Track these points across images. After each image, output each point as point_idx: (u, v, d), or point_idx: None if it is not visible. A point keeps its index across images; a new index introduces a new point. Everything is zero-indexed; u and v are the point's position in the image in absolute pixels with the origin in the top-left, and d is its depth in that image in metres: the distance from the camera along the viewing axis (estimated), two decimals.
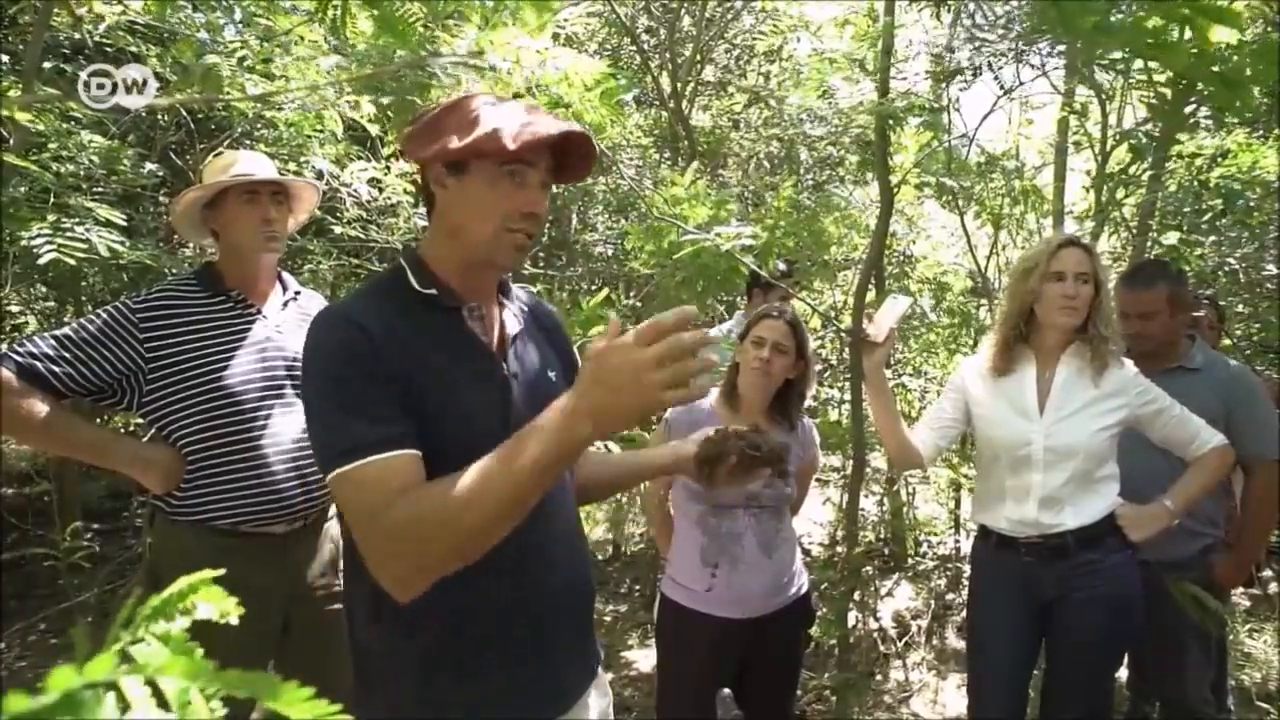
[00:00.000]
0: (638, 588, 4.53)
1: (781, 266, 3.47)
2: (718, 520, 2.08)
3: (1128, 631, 2.04)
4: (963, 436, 2.87)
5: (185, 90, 2.29)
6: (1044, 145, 5.87)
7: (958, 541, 4.59)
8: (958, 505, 4.59)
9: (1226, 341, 3.40)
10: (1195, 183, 3.41)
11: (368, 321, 1.07)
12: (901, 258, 5.56)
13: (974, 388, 2.16)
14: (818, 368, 4.31)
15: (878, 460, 4.11)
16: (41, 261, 2.11)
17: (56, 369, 1.67)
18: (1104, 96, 4.06)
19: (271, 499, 1.78)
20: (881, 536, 4.79)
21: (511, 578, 1.15)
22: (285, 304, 1.94)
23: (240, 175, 1.84)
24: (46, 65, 3.03)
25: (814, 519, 4.53)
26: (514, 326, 1.25)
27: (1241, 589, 4.00)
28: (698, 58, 5.95)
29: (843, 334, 3.79)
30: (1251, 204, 3.16)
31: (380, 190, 3.22)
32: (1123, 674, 2.72)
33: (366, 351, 1.05)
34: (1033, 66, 3.69)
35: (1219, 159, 3.35)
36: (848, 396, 4.06)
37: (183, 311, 1.79)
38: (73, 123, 2.72)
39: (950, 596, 4.24)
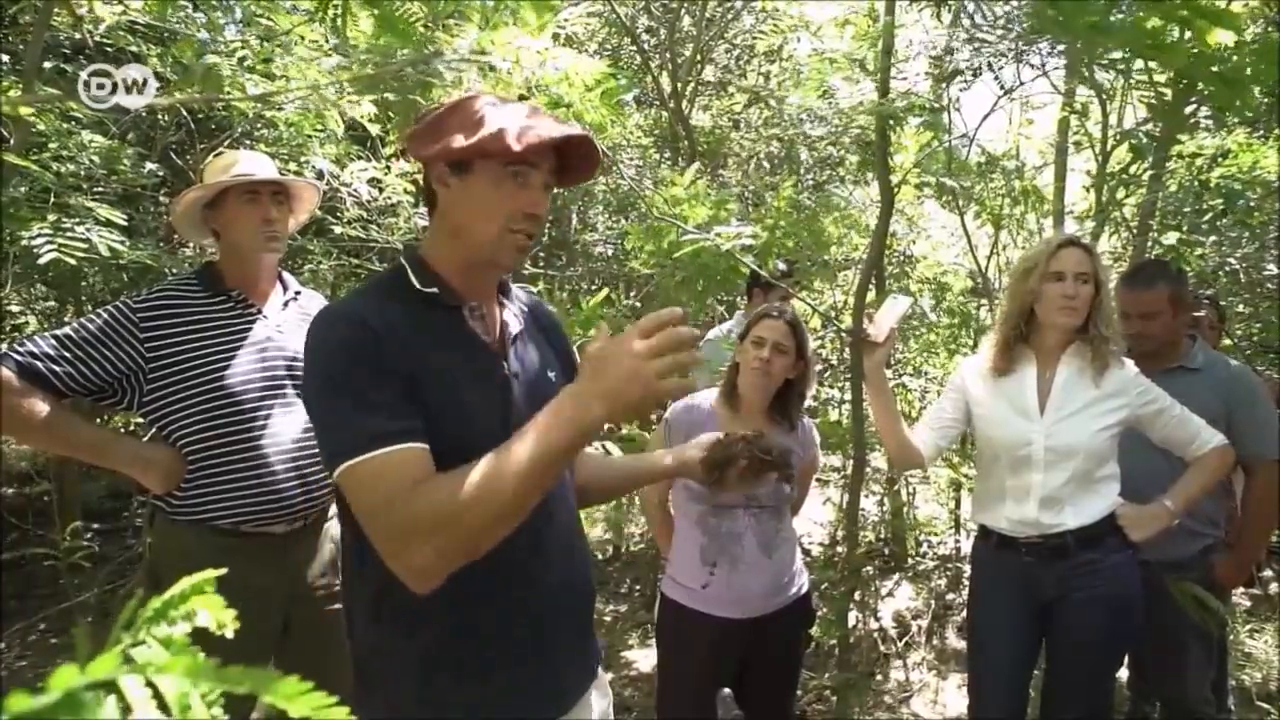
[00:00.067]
0: (638, 588, 4.53)
1: (781, 266, 3.46)
2: (718, 520, 2.08)
3: (1128, 631, 2.04)
4: (963, 436, 2.86)
5: (185, 90, 2.29)
6: (1044, 145, 5.87)
7: (958, 541, 4.59)
8: (958, 505, 4.59)
9: (1227, 341, 3.40)
10: (1196, 183, 3.41)
11: (370, 319, 1.07)
12: (902, 258, 5.56)
13: (974, 388, 2.16)
14: (818, 368, 4.31)
15: (878, 460, 4.10)
16: (42, 261, 2.11)
17: (57, 368, 1.67)
18: (1104, 96, 4.06)
19: (272, 499, 1.78)
20: (882, 536, 4.79)
21: (512, 577, 1.15)
22: (286, 304, 1.94)
23: (241, 175, 1.84)
24: (47, 65, 3.03)
25: (814, 519, 4.53)
26: (514, 326, 1.26)
27: (1242, 589, 4.00)
28: (698, 58, 5.95)
29: (843, 334, 3.79)
30: (1252, 204, 3.16)
31: (380, 190, 3.23)
32: (1123, 674, 2.72)
33: (370, 348, 1.05)
34: (1033, 66, 3.69)
35: (1219, 159, 3.35)
36: (848, 396, 4.06)
37: (183, 311, 1.79)
38: (73, 122, 2.72)
39: (950, 596, 4.24)
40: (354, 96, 2.39)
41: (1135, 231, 3.89)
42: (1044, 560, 2.03)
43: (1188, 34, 1.48)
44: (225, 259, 1.90)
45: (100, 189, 2.91)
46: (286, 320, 1.91)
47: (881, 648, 3.67)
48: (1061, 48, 3.23)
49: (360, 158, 3.25)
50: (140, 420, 2.16)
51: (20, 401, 1.62)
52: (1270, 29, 3.02)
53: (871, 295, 3.47)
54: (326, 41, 2.49)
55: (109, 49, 2.83)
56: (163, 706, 0.38)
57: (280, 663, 1.88)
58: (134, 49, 2.75)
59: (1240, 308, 3.85)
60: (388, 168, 3.22)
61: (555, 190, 1.24)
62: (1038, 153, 5.95)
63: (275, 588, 1.80)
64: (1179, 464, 2.10)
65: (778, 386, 2.13)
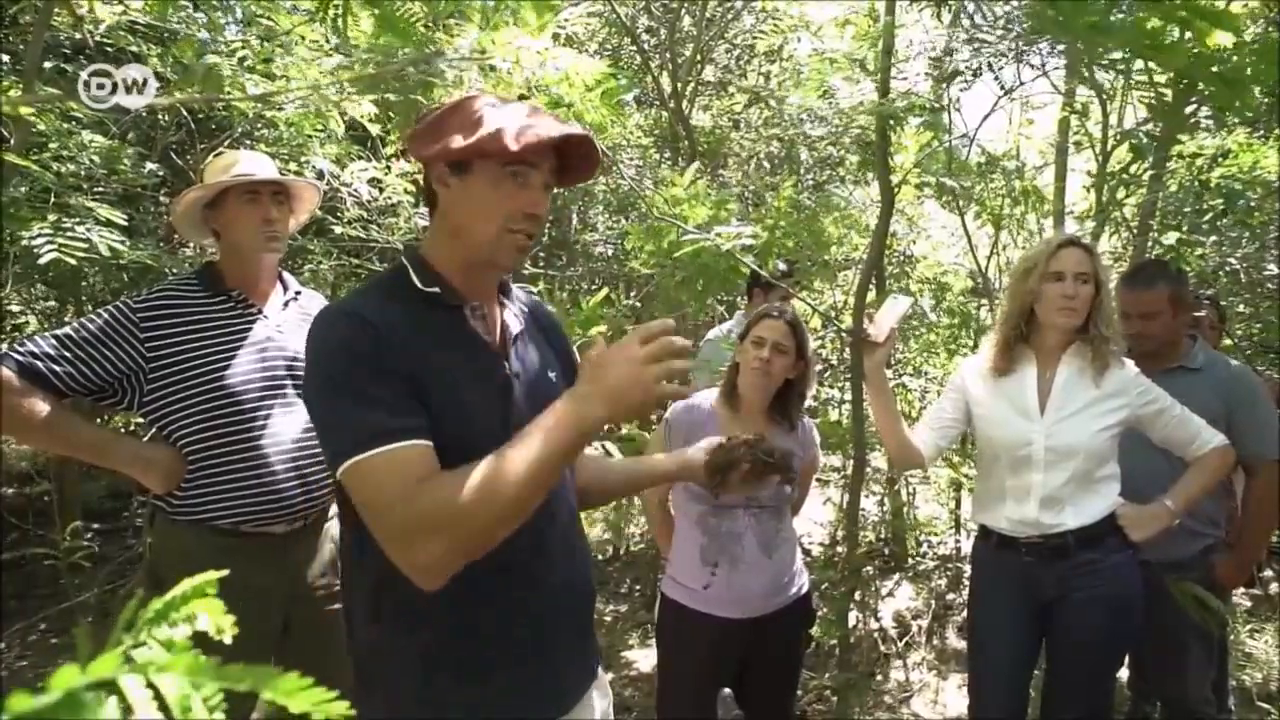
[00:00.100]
0: (638, 588, 4.53)
1: (782, 266, 3.46)
2: (718, 520, 2.08)
3: (1128, 631, 2.04)
4: (963, 436, 2.86)
5: (186, 90, 2.29)
6: (1044, 145, 5.86)
7: (958, 541, 4.59)
8: (958, 505, 4.59)
9: (1227, 341, 3.40)
10: (1196, 183, 3.41)
11: (371, 318, 1.07)
12: (902, 258, 5.56)
13: (974, 388, 2.16)
14: (818, 368, 4.31)
15: (878, 460, 4.10)
16: (42, 261, 2.11)
17: (57, 368, 1.67)
18: (1104, 97, 4.06)
19: (272, 499, 1.78)
20: (882, 536, 4.79)
21: (512, 577, 1.15)
22: (286, 304, 1.94)
23: (241, 175, 1.84)
24: (47, 65, 3.03)
25: (814, 519, 4.53)
26: (515, 326, 1.26)
27: (1242, 589, 4.00)
28: (698, 58, 5.94)
29: (843, 334, 3.79)
30: (1252, 204, 3.16)
31: (381, 190, 3.23)
32: (1124, 674, 2.72)
33: (372, 346, 1.05)
34: (1033, 66, 3.70)
35: (1219, 159, 3.34)
36: (848, 396, 4.06)
37: (183, 311, 1.79)
38: (73, 123, 2.72)
39: (951, 596, 4.24)
40: (355, 96, 2.39)
41: (1135, 231, 3.89)
42: (1044, 560, 2.03)
43: (1187, 34, 1.48)
44: (225, 259, 1.90)
45: (100, 189, 2.91)
46: (287, 320, 1.91)
47: (882, 648, 3.67)
48: (1061, 48, 3.23)
49: (360, 158, 3.25)
50: (140, 420, 2.16)
51: (21, 401, 1.62)
52: (1270, 29, 3.01)
53: (871, 295, 3.47)
54: (328, 42, 2.49)
55: (109, 49, 2.83)
56: (164, 708, 0.38)
57: (280, 663, 1.88)
58: (134, 49, 2.75)
59: (1240, 308, 3.85)
60: (388, 168, 3.22)
61: (555, 190, 1.24)
62: (1038, 153, 5.95)
63: (275, 588, 1.80)
64: (1179, 464, 2.10)
65: (778, 386, 2.13)
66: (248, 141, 3.41)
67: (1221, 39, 1.43)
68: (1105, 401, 2.00)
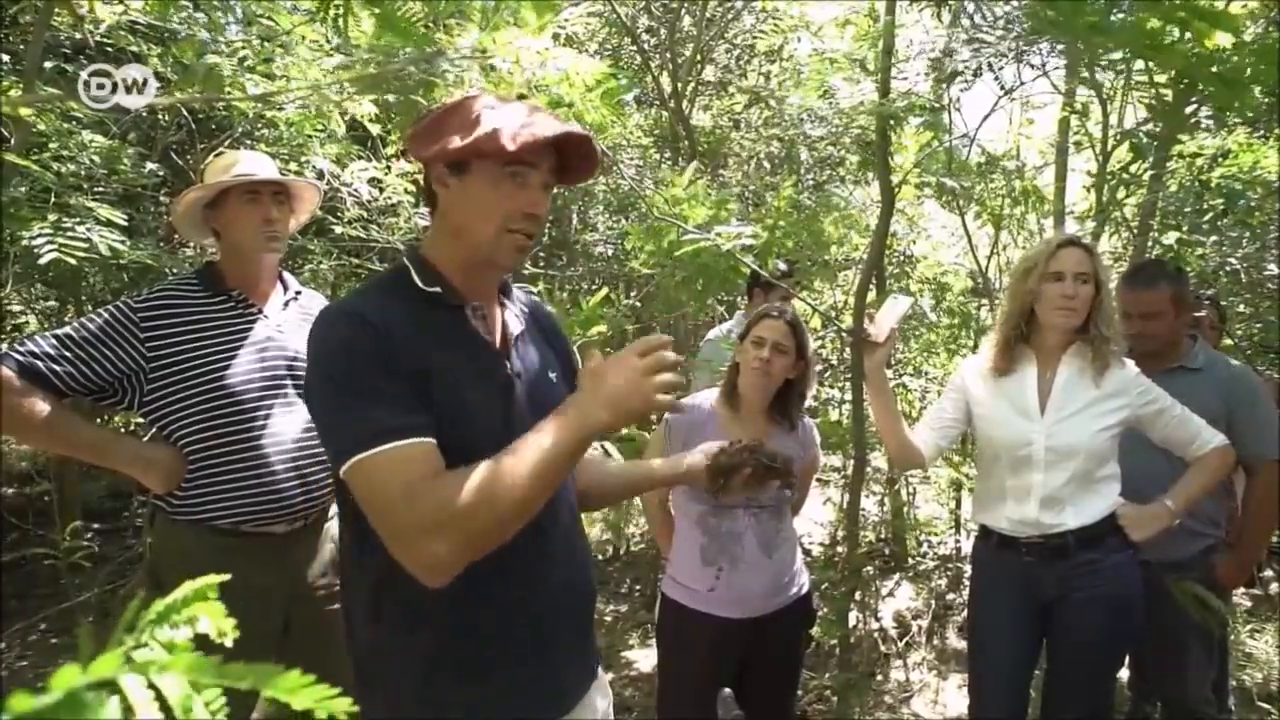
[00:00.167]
0: (638, 588, 4.53)
1: (782, 266, 3.46)
2: (718, 520, 2.08)
3: (1128, 631, 2.04)
4: (964, 436, 2.86)
5: (186, 90, 2.29)
6: (1045, 145, 5.86)
7: (958, 541, 4.59)
8: (958, 505, 4.59)
9: (1228, 341, 3.40)
10: (1196, 183, 3.41)
11: (374, 317, 1.07)
12: (902, 258, 5.55)
13: (975, 388, 2.16)
14: (818, 368, 4.31)
15: (878, 460, 4.10)
16: (42, 261, 2.11)
17: (57, 368, 1.67)
18: (1104, 97, 4.06)
19: (272, 499, 1.78)
20: (882, 536, 4.79)
21: (512, 577, 1.15)
22: (286, 304, 1.94)
23: (242, 175, 1.84)
24: (47, 65, 3.03)
25: (814, 519, 4.53)
26: (516, 327, 1.26)
27: (1243, 589, 4.00)
28: (698, 58, 5.94)
29: (843, 334, 3.79)
30: (1252, 204, 3.16)
31: (381, 190, 3.22)
32: (1124, 674, 2.72)
33: (375, 345, 1.05)
34: (1033, 66, 3.69)
35: (1220, 159, 3.34)
36: (848, 396, 4.06)
37: (184, 311, 1.79)
38: (73, 122, 2.72)
39: (951, 596, 4.24)
40: (356, 96, 2.39)
41: (1135, 231, 3.89)
42: (1044, 560, 2.03)
43: (1186, 35, 1.48)
44: (226, 259, 1.90)
45: (100, 189, 2.91)
46: (287, 320, 1.91)
47: (882, 648, 3.67)
48: (1061, 48, 3.23)
49: (361, 157, 3.25)
50: (140, 420, 2.16)
51: (21, 401, 1.62)
52: (1270, 29, 3.01)
53: (872, 295, 3.47)
54: (329, 42, 2.49)
55: (109, 49, 2.83)
56: (165, 708, 0.38)
57: (280, 662, 1.87)
58: (134, 49, 2.75)
59: (1241, 308, 3.85)
60: (388, 168, 3.21)
61: (555, 190, 1.24)
62: (1038, 153, 5.95)
63: (276, 588, 1.80)
64: (1179, 464, 2.10)
65: (778, 386, 2.13)
66: (248, 141, 3.41)
67: (1221, 39, 1.43)
68: (1105, 401, 2.00)
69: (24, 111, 1.94)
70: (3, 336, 4.41)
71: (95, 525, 4.30)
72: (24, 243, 2.27)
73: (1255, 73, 1.60)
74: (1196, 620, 2.22)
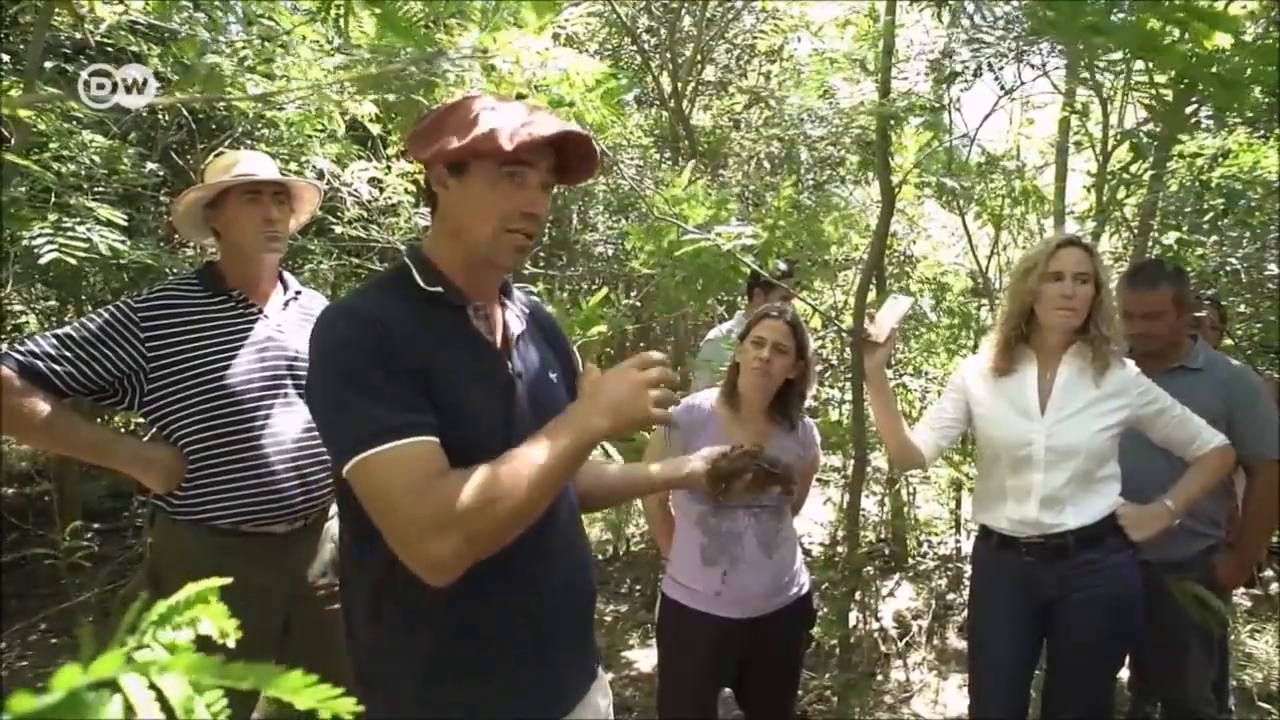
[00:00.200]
0: (638, 588, 4.53)
1: (782, 266, 3.46)
2: (718, 520, 2.08)
3: (1128, 631, 2.04)
4: (964, 436, 2.86)
5: (186, 90, 2.29)
6: (1045, 145, 5.86)
7: (958, 541, 4.59)
8: (958, 505, 4.59)
9: (1228, 341, 3.40)
10: (1196, 182, 3.41)
11: (376, 315, 1.08)
12: (902, 258, 5.55)
13: (975, 387, 2.16)
14: (818, 368, 4.31)
15: (879, 460, 4.10)
16: (42, 261, 2.11)
17: (58, 368, 1.67)
18: (1104, 97, 4.06)
19: (272, 499, 1.78)
20: (882, 536, 4.79)
21: (512, 578, 1.15)
22: (286, 304, 1.94)
23: (243, 175, 1.84)
24: (47, 65, 3.03)
25: (815, 519, 4.53)
26: (517, 327, 1.26)
27: (1243, 589, 4.00)
28: (698, 58, 5.94)
29: (844, 334, 3.79)
30: (1253, 204, 3.15)
31: (381, 190, 3.22)
32: (1124, 674, 2.72)
33: (377, 344, 1.05)
34: (1033, 66, 3.69)
35: (1220, 159, 3.34)
36: (848, 396, 4.06)
37: (184, 311, 1.79)
38: (74, 122, 2.72)
39: (951, 596, 4.24)
40: (357, 96, 2.39)
41: (1136, 231, 3.89)
42: (1045, 560, 2.03)
43: (1186, 35, 1.48)
44: (226, 259, 1.90)
45: (101, 189, 2.91)
46: (287, 320, 1.91)
47: (882, 648, 3.67)
48: (1061, 48, 3.23)
49: (361, 157, 3.25)
50: (141, 420, 2.16)
51: (21, 401, 1.62)
52: (1271, 29, 3.01)
53: (872, 295, 3.47)
54: (330, 42, 2.49)
55: (109, 49, 2.83)
56: (166, 708, 0.38)
57: (281, 662, 1.87)
58: (134, 49, 2.75)
59: (1241, 308, 3.84)
60: (388, 167, 3.21)
61: (555, 190, 1.24)
62: (1038, 153, 5.95)
63: (276, 588, 1.80)
64: (1179, 464, 2.10)
65: (778, 386, 2.13)
66: (248, 141, 3.41)
67: (1220, 40, 1.43)
68: (1106, 401, 2.00)
69: (23, 113, 1.94)
70: (3, 336, 4.41)
71: (95, 525, 4.30)
72: (24, 243, 2.27)
73: (1255, 73, 1.60)
74: (1196, 620, 2.22)
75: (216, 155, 2.10)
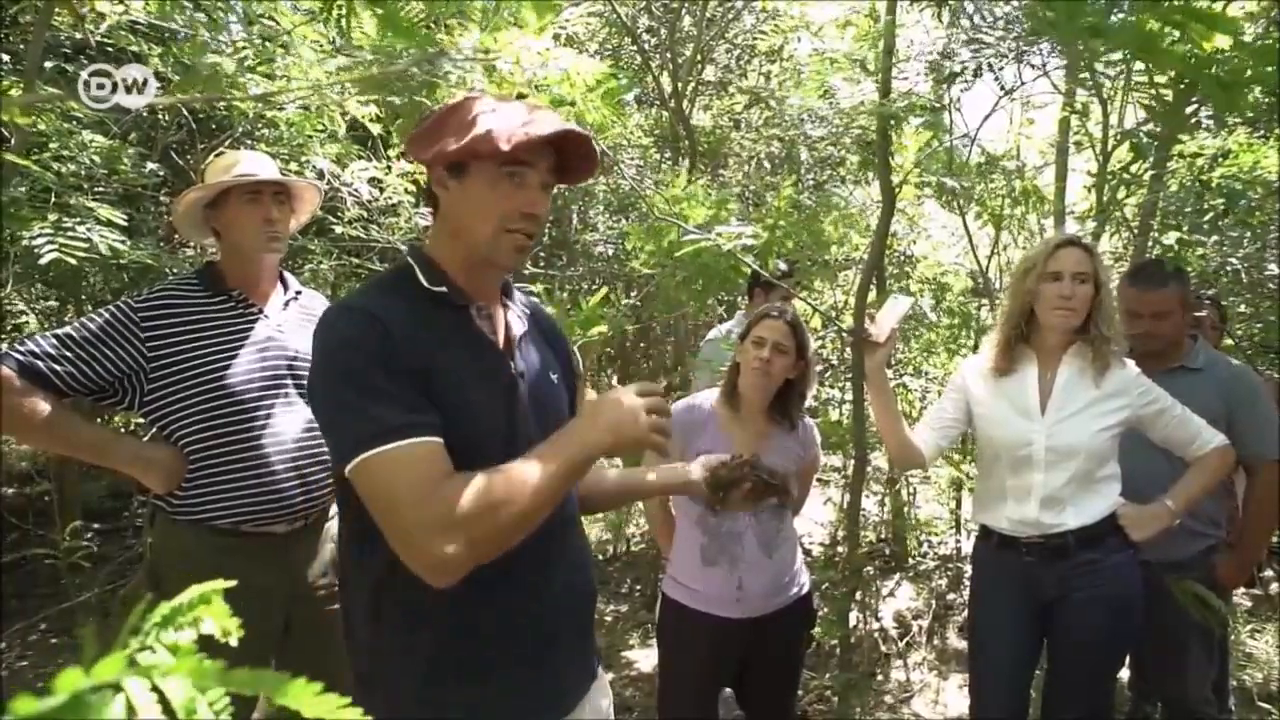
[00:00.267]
0: (638, 588, 4.52)
1: (782, 266, 3.46)
2: (718, 520, 2.09)
3: (1129, 631, 2.04)
4: (964, 435, 2.87)
5: (186, 90, 2.29)
6: (1045, 145, 5.86)
7: (959, 541, 4.59)
8: (959, 505, 4.59)
9: (1228, 341, 3.40)
10: (1197, 182, 3.40)
11: (380, 314, 1.07)
12: (902, 258, 5.56)
13: (975, 387, 2.16)
14: (819, 368, 4.31)
15: (879, 460, 4.10)
16: (42, 261, 2.11)
17: (58, 367, 1.67)
18: (1104, 97, 4.06)
19: (272, 499, 1.78)
20: (883, 536, 4.79)
21: (513, 578, 1.15)
22: (287, 304, 1.94)
23: (243, 175, 1.84)
24: (48, 65, 3.03)
25: (815, 519, 4.53)
26: (519, 328, 1.26)
27: (1243, 589, 4.00)
28: (698, 58, 5.94)
29: (844, 334, 3.79)
30: (1253, 204, 3.15)
31: (381, 190, 3.22)
32: (1124, 674, 2.72)
33: (381, 343, 1.05)
34: (1033, 67, 3.69)
35: (1220, 159, 3.34)
36: (849, 396, 4.06)
37: (184, 311, 1.79)
38: (74, 122, 2.72)
39: (951, 596, 4.24)
40: (359, 96, 2.39)
41: (1136, 231, 3.88)
42: (1045, 560, 2.03)
43: (1184, 37, 1.48)
44: (226, 259, 1.90)
45: (101, 189, 2.90)
46: (287, 320, 1.91)
47: (882, 648, 3.67)
48: (1061, 48, 3.23)
49: (361, 157, 3.25)
50: (141, 420, 2.16)
51: (21, 401, 1.62)
52: (1271, 29, 3.01)
53: (872, 295, 3.47)
54: (332, 43, 2.49)
55: (110, 49, 2.83)
56: (168, 711, 0.38)
57: (281, 662, 1.88)
58: (135, 49, 2.75)
59: (1241, 308, 3.84)
60: (388, 167, 3.21)
61: (555, 190, 1.25)
62: (1038, 153, 5.95)
63: (276, 588, 1.80)
64: (1179, 464, 2.10)
65: (778, 386, 2.13)
66: (248, 141, 3.40)
67: (1220, 41, 1.43)
68: (1106, 401, 2.00)
69: (21, 120, 1.94)
70: (3, 336, 4.41)
71: (95, 525, 4.30)
72: (24, 243, 2.27)
73: (1255, 74, 1.60)
74: (1197, 620, 2.22)
75: (217, 155, 2.10)
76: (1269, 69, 1.50)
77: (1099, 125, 4.22)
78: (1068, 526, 2.00)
